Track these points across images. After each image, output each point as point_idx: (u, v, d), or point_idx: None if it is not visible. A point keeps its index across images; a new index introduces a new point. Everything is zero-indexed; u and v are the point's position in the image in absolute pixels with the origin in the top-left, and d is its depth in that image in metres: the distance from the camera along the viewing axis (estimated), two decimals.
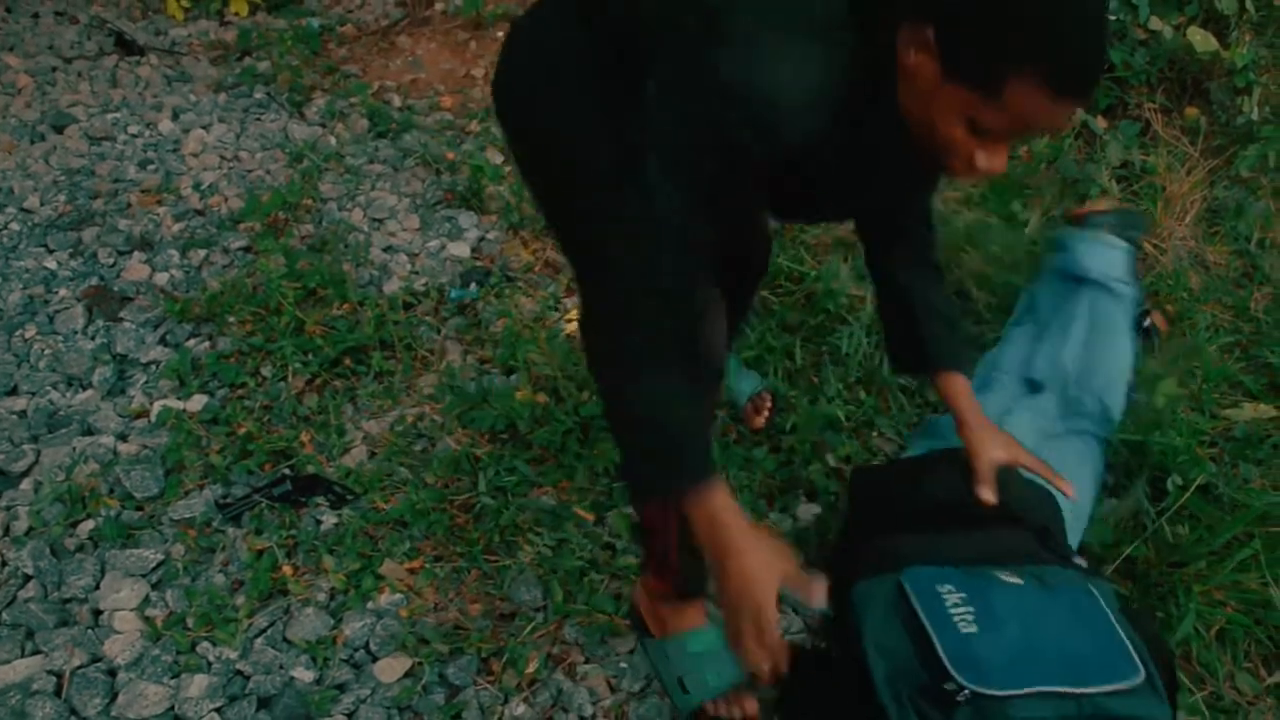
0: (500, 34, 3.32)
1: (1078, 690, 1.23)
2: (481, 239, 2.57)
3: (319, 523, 1.79)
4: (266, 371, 2.08)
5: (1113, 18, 2.68)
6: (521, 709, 1.55)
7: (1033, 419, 1.88)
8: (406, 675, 1.58)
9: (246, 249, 2.41)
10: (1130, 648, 1.30)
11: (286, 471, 1.86)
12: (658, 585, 1.52)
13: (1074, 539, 1.69)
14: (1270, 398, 2.15)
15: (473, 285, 2.37)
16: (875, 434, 2.03)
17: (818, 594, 1.10)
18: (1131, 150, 2.70)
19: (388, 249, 2.50)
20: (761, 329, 2.20)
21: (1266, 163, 2.72)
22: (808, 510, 1.87)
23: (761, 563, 1.08)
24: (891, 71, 1.03)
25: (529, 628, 1.64)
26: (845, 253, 2.41)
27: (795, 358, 2.15)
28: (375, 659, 1.60)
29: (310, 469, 1.87)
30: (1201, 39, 2.73)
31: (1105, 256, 2.14)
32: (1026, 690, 1.23)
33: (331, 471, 1.88)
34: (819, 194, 1.28)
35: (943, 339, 1.47)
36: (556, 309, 2.32)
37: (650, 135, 1.08)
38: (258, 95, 3.08)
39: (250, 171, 2.72)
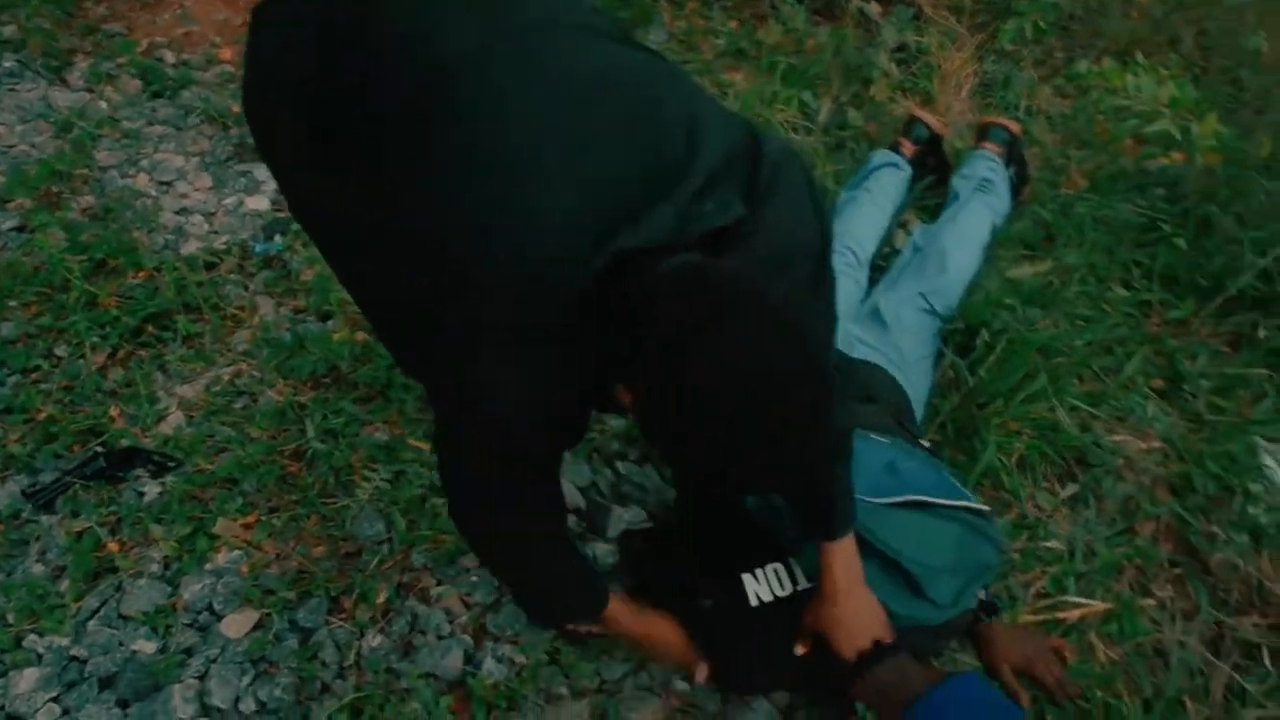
0: None
1: (936, 500, 1.50)
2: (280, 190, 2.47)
3: (141, 495, 1.72)
4: (61, 351, 1.96)
5: None
6: (378, 639, 1.56)
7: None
8: (256, 628, 1.57)
9: (19, 228, 2.24)
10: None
11: (98, 449, 1.78)
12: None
13: (918, 417, 1.85)
14: (1044, 249, 2.33)
15: (277, 237, 2.29)
16: None
17: (701, 673, 1.47)
18: (906, 33, 2.83)
19: (181, 211, 2.37)
20: None
21: (1025, 35, 2.91)
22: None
23: (665, 645, 1.48)
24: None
25: (375, 561, 1.64)
26: None
27: None
28: (220, 618, 1.57)
29: (125, 442, 1.79)
30: None
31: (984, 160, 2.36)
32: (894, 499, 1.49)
33: (148, 442, 1.81)
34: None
35: (812, 512, 1.38)
36: None
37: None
38: (7, 64, 2.83)
39: (12, 147, 2.52)
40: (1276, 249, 2.16)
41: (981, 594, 1.59)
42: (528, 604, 1.53)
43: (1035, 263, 2.26)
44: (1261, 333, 2.14)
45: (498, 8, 1.00)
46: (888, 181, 2.29)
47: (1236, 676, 1.63)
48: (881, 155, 2.37)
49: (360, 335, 1.97)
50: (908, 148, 2.41)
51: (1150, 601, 1.73)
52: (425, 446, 1.83)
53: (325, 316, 2.08)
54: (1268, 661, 1.66)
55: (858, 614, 1.38)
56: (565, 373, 0.96)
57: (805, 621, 1.42)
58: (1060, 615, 1.69)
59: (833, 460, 1.30)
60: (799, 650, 1.43)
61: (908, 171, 2.37)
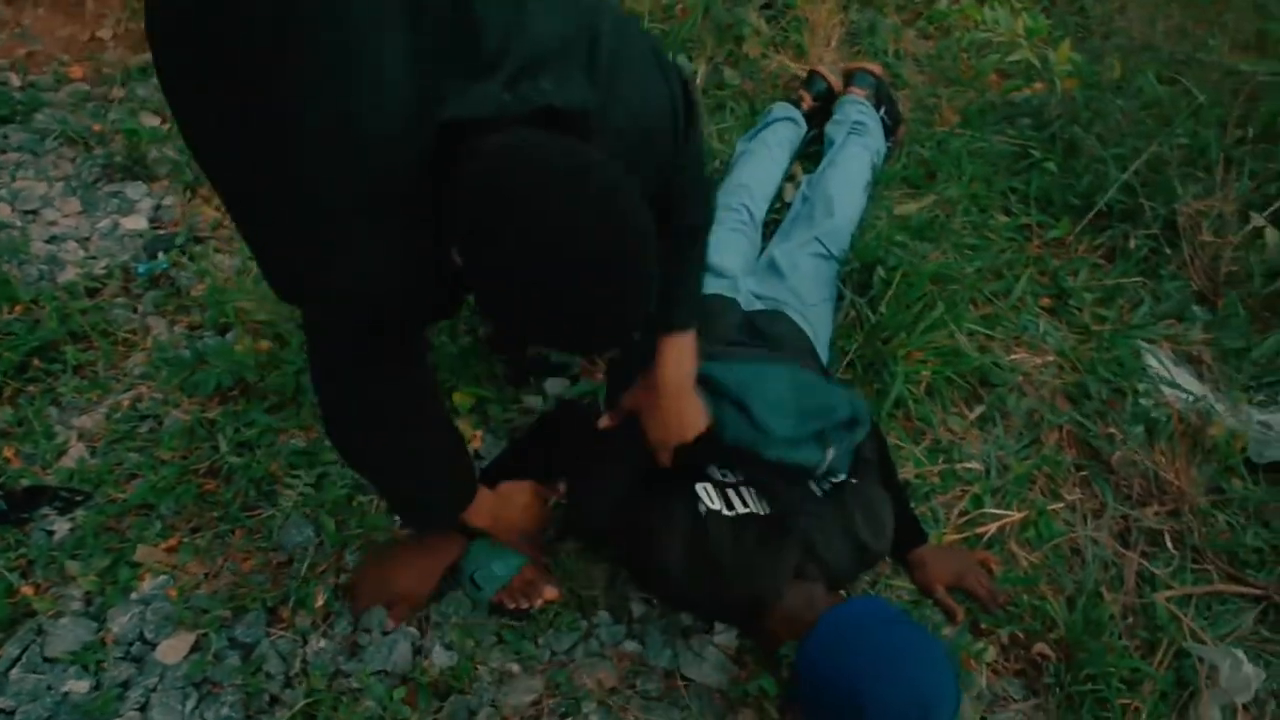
0: None
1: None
2: (157, 207, 2.38)
3: (50, 533, 1.65)
4: None
5: None
6: (322, 643, 1.54)
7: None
8: (193, 651, 1.52)
9: None
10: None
11: None
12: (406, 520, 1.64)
13: (824, 359, 1.89)
14: (927, 185, 2.42)
15: (160, 255, 2.21)
16: None
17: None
18: None
19: (51, 239, 2.26)
20: None
21: None
22: (555, 384, 1.94)
23: (515, 512, 1.55)
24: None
25: (308, 566, 1.62)
26: None
27: None
28: (153, 646, 1.52)
29: (25, 482, 1.71)
30: None
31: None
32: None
33: (51, 478, 1.73)
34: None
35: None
36: None
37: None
38: None
39: None
40: (1136, 163, 2.28)
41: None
42: (398, 501, 1.53)
43: (919, 198, 2.34)
44: (1132, 243, 2.27)
45: None
46: (784, 135, 2.34)
47: (1144, 563, 1.74)
48: (782, 108, 2.42)
49: (264, 344, 1.92)
50: (807, 102, 2.47)
51: (1061, 505, 1.83)
52: None
53: (223, 330, 2.02)
54: (1170, 545, 1.78)
55: (682, 412, 1.42)
56: (406, 239, 0.99)
57: (622, 402, 1.47)
58: (980, 530, 1.78)
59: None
60: (602, 423, 1.51)
61: (804, 127, 2.42)
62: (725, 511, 1.47)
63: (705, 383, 1.49)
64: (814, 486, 1.55)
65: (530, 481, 1.59)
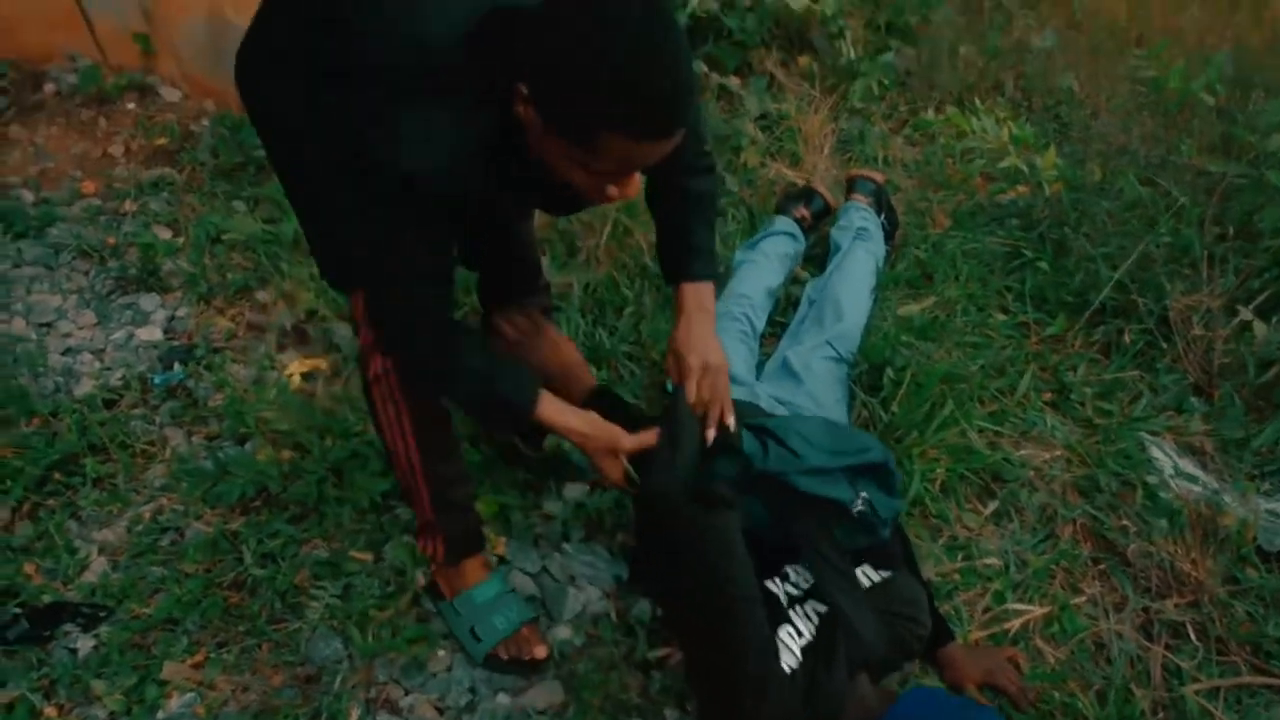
0: (130, 106, 3.11)
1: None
2: (171, 318, 2.41)
3: (74, 651, 1.63)
4: None
5: None
6: None
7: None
8: None
9: None
10: None
11: (17, 610, 1.67)
12: (435, 552, 1.67)
13: None
14: (926, 286, 2.50)
15: (176, 366, 2.23)
16: None
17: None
18: (765, 101, 3.01)
19: (67, 351, 2.28)
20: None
21: (872, 92, 3.14)
22: (574, 490, 1.95)
23: (598, 434, 1.49)
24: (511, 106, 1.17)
25: (338, 680, 1.60)
26: (543, 247, 2.51)
27: None
28: None
29: (46, 599, 1.69)
30: None
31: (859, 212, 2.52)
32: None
33: (73, 594, 1.71)
34: (525, 203, 1.55)
35: (677, 255, 1.61)
36: (273, 367, 2.23)
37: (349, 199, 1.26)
38: None
39: None
40: (1127, 263, 2.38)
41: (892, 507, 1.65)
42: (485, 417, 1.63)
43: (920, 299, 2.41)
44: (1127, 338, 2.34)
45: None
46: (783, 248, 2.42)
47: (1170, 656, 1.76)
48: (782, 222, 2.50)
49: (286, 454, 1.93)
50: (806, 219, 2.55)
51: (1082, 599, 1.85)
52: (368, 557, 1.80)
53: (242, 440, 2.03)
54: (1193, 637, 1.79)
55: (706, 336, 1.56)
56: (464, 125, 1.18)
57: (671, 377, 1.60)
58: (1005, 626, 1.79)
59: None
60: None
61: (803, 242, 2.51)
62: (792, 662, 1.40)
63: (745, 424, 1.57)
64: (864, 576, 1.56)
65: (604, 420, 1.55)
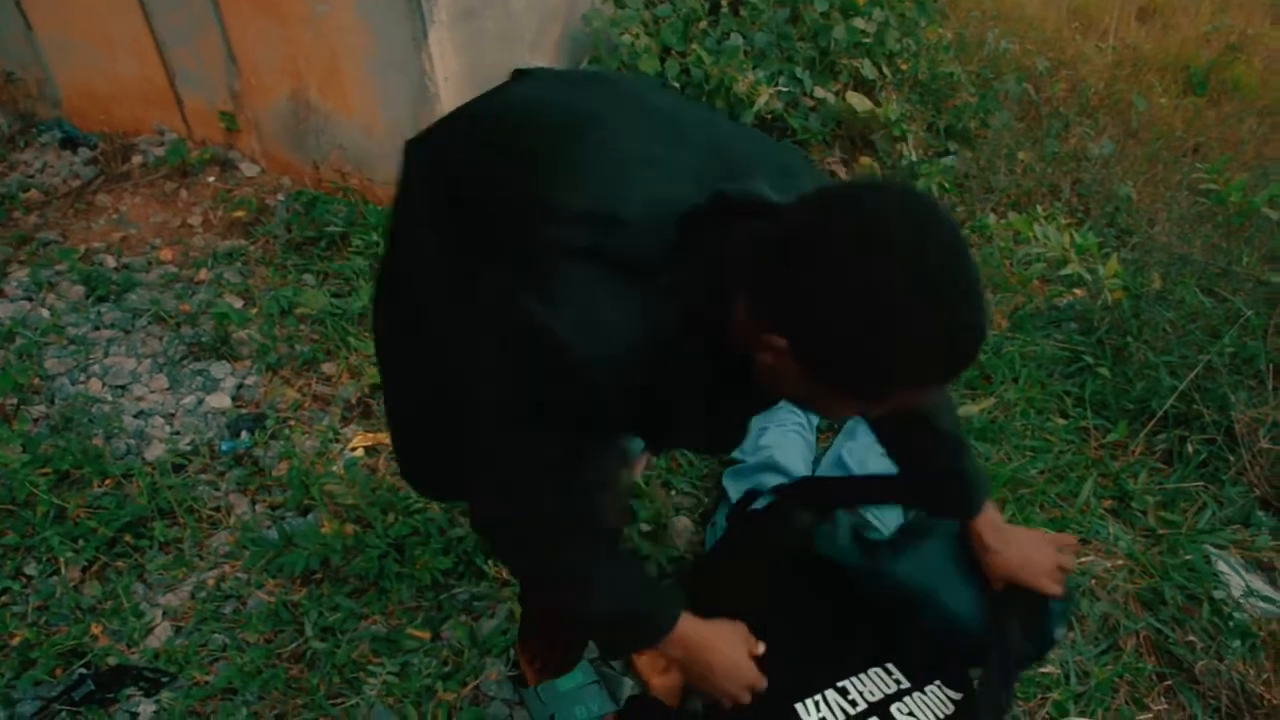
0: (211, 179, 3.24)
1: None
2: (240, 386, 2.47)
3: (135, 715, 1.64)
4: (31, 570, 1.89)
5: (784, 89, 3.06)
6: None
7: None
8: None
9: None
10: None
11: (83, 671, 1.69)
12: (542, 658, 1.67)
13: None
14: (984, 387, 2.50)
15: (243, 434, 2.28)
16: (674, 491, 2.15)
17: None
18: None
19: (139, 414, 2.34)
20: None
21: (931, 193, 3.19)
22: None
23: (737, 651, 1.32)
24: (723, 320, 0.98)
25: None
26: None
27: None
28: None
29: (111, 661, 1.71)
30: (858, 101, 3.18)
31: None
32: None
33: (137, 657, 1.73)
34: (687, 425, 1.19)
35: (956, 494, 1.45)
36: (337, 440, 2.28)
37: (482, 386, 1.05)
38: None
39: None
40: (1189, 372, 2.37)
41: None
42: (618, 638, 1.35)
43: (978, 400, 2.42)
44: (1190, 448, 2.32)
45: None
46: None
47: None
48: None
49: (349, 528, 1.96)
50: None
51: (1149, 716, 1.80)
52: (426, 635, 1.81)
53: (305, 511, 2.06)
54: None
55: (1023, 544, 1.42)
56: (643, 315, 0.96)
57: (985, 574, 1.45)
58: None
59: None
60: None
61: None
62: None
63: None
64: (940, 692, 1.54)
65: (739, 628, 1.40)
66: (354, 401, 2.40)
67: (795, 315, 0.89)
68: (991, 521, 1.43)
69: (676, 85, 3.06)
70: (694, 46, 3.06)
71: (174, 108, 3.28)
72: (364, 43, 2.72)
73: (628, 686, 1.75)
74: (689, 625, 1.27)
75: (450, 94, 2.74)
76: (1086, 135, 3.60)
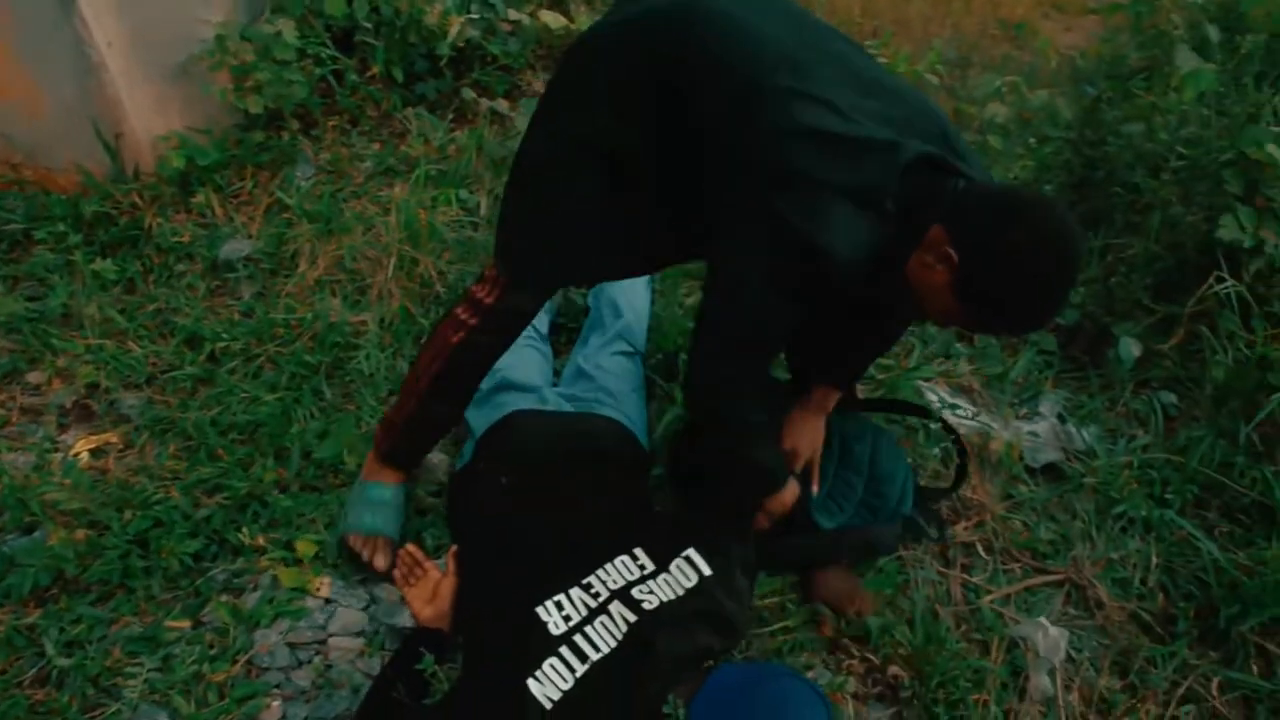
0: None
1: None
2: None
3: None
4: None
5: (477, 16, 3.04)
6: None
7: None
8: None
9: None
10: None
11: None
12: (379, 437, 1.91)
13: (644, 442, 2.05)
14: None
15: None
16: None
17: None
18: None
19: None
20: (277, 378, 2.21)
21: None
22: None
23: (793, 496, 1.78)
24: (911, 244, 1.37)
25: None
26: (332, 288, 2.49)
27: (324, 393, 2.20)
28: None
29: None
30: (552, 19, 3.20)
31: None
32: None
33: None
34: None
35: (831, 368, 1.88)
36: (56, 449, 2.11)
37: (739, 254, 1.42)
38: None
39: None
40: None
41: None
42: (757, 473, 1.76)
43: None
44: None
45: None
46: None
47: (966, 576, 1.93)
48: None
49: (80, 534, 1.83)
50: None
51: None
52: (186, 624, 1.74)
53: (30, 529, 1.90)
54: (982, 552, 1.98)
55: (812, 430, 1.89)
56: (870, 234, 1.35)
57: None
58: None
59: None
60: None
61: None
62: (564, 685, 1.48)
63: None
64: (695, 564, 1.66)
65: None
66: (69, 406, 2.22)
67: (976, 246, 1.32)
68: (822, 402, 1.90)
69: (368, 25, 2.97)
70: None
71: None
72: (2, 19, 2.46)
73: (401, 626, 1.76)
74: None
75: (119, 60, 2.53)
76: None
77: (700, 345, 1.56)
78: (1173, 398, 2.34)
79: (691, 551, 1.67)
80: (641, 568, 1.63)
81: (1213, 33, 2.81)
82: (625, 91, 1.49)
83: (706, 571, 1.65)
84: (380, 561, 1.82)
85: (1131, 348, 2.37)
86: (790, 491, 1.77)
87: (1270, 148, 2.21)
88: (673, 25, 1.45)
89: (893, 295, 1.49)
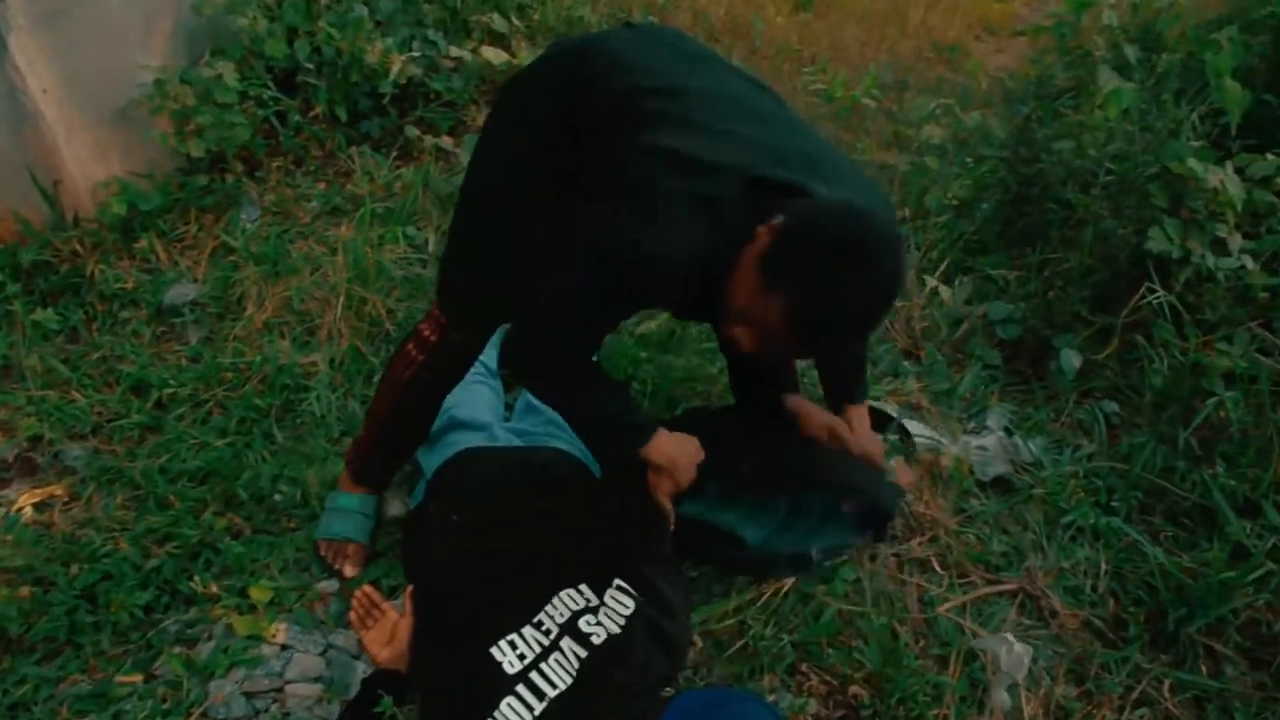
0: None
1: None
2: None
3: None
4: None
5: (418, 54, 3.05)
6: None
7: None
8: None
9: None
10: None
11: None
12: (350, 457, 1.99)
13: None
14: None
15: None
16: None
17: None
18: None
19: None
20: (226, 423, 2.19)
21: None
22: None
23: (687, 456, 1.70)
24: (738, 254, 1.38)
25: None
26: (280, 330, 2.47)
27: (275, 436, 2.18)
28: None
29: None
30: (494, 55, 3.23)
31: None
32: None
33: None
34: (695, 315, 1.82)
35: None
36: None
37: (582, 266, 1.47)
38: None
39: None
40: None
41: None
42: (607, 445, 1.82)
43: (657, 318, 2.56)
44: None
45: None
46: None
47: (924, 585, 1.95)
48: None
49: (25, 591, 1.79)
50: None
51: (841, 561, 2.02)
52: (137, 678, 1.70)
53: None
54: (938, 567, 2.00)
55: (870, 436, 1.93)
56: (709, 240, 1.37)
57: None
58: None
59: None
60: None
61: None
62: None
63: None
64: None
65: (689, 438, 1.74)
66: (11, 460, 2.18)
67: (795, 264, 1.33)
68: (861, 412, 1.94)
69: (309, 66, 2.97)
70: (321, 24, 2.97)
71: None
72: None
73: (358, 670, 1.74)
74: (663, 437, 1.67)
75: (55, 107, 2.51)
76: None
77: (532, 308, 1.56)
78: (1115, 406, 2.40)
79: (619, 580, 1.68)
80: (587, 601, 1.64)
81: (1132, 53, 2.91)
82: (550, 126, 1.56)
83: (638, 596, 1.66)
84: (348, 569, 1.89)
85: (1072, 359, 2.43)
86: (683, 470, 1.70)
87: (1191, 162, 2.29)
88: (580, 60, 1.57)
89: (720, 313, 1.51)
